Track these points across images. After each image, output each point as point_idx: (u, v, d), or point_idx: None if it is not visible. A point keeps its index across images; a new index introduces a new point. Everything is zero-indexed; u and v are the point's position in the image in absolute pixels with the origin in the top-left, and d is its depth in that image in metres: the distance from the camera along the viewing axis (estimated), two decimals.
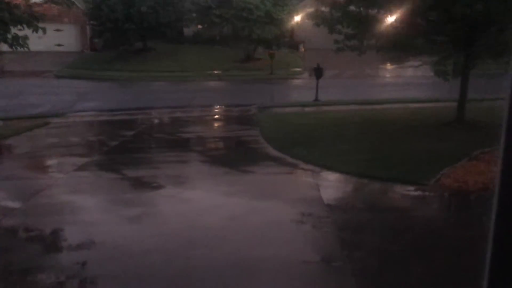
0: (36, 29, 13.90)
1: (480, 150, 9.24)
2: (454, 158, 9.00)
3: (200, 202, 7.86)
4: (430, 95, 19.12)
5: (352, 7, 13.30)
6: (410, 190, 8.16)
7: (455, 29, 12.00)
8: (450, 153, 9.48)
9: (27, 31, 14.18)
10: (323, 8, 13.95)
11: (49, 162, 11.56)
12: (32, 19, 13.98)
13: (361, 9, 13.28)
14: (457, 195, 7.89)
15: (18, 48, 14.22)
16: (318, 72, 19.32)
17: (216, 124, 17.67)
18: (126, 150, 12.46)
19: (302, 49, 34.71)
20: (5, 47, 14.77)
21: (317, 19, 13.75)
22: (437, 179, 8.19)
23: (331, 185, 9.14)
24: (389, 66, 29.02)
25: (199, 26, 34.96)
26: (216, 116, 18.99)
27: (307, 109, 17.68)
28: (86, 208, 7.72)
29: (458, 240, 5.96)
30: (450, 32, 12.33)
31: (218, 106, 20.13)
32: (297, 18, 32.14)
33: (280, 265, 5.45)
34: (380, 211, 7.53)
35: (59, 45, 36.27)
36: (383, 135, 12.03)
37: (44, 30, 14.10)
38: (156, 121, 18.23)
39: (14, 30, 14.13)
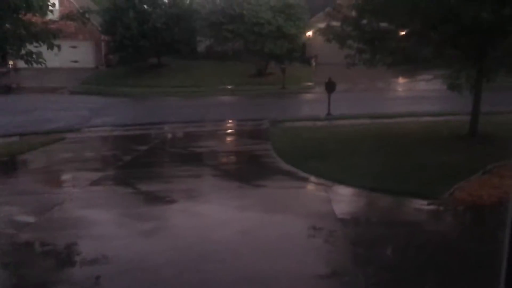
0: (51, 47, 14.16)
1: (494, 163, 9.16)
2: (468, 172, 8.93)
3: (212, 216, 7.89)
4: (443, 109, 19.04)
5: (363, 21, 13.38)
6: (424, 204, 8.09)
7: (467, 42, 11.99)
8: (463, 166, 9.40)
9: (43, 48, 14.45)
10: (334, 23, 14.05)
11: (64, 176, 11.70)
12: (48, 36, 14.24)
13: (373, 23, 13.35)
14: (471, 209, 7.81)
15: (34, 64, 14.47)
16: (330, 86, 19.35)
17: (228, 138, 17.74)
18: (140, 164, 12.56)
19: (314, 63, 34.80)
20: (22, 64, 15.03)
21: (328, 34, 13.84)
22: (451, 193, 8.12)
23: (344, 199, 9.11)
24: (401, 79, 28.99)
25: (212, 41, 35.27)
26: (229, 131, 19.08)
27: (319, 123, 17.70)
28: (100, 222, 7.79)
29: (472, 255, 5.89)
30: (462, 45, 12.31)
31: (230, 121, 20.24)
32: (309, 33, 32.31)
33: (292, 280, 5.44)
34: (393, 225, 7.48)
35: (74, 61, 36.91)
36: (395, 149, 11.99)
37: (58, 47, 14.35)
38: (170, 135, 18.37)
39: (30, 47, 14.40)
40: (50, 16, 15.14)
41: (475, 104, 12.73)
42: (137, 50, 33.41)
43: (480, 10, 10.28)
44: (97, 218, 7.99)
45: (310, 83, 30.53)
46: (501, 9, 10.17)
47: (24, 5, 13.62)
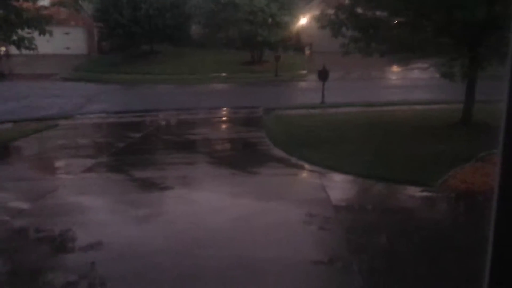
0: (43, 32, 14.02)
1: (487, 151, 9.21)
2: (461, 160, 8.99)
3: (207, 203, 7.90)
4: (437, 97, 19.09)
5: (358, 9, 13.34)
6: (417, 191, 8.16)
7: (460, 31, 11.99)
8: (456, 154, 9.46)
9: (35, 34, 14.31)
10: (329, 11, 13.99)
11: (58, 163, 11.66)
12: (40, 22, 14.09)
13: (367, 11, 13.31)
14: (464, 197, 7.89)
15: (26, 50, 14.34)
16: (323, 74, 19.31)
17: (222, 126, 17.72)
18: (134, 151, 12.53)
19: (308, 51, 34.70)
20: (14, 50, 14.90)
21: (323, 21, 13.77)
22: (444, 180, 8.18)
23: (338, 186, 9.15)
24: (395, 68, 29.01)
25: (206, 29, 35.05)
26: (223, 118, 19.04)
27: (313, 111, 17.69)
28: (94, 209, 7.78)
29: (465, 242, 5.95)
30: (455, 34, 12.32)
31: (224, 108, 20.18)
32: (303, 21, 32.18)
33: (287, 266, 5.48)
34: (388, 212, 7.54)
35: (67, 48, 36.57)
36: (389, 137, 12.03)
37: (50, 32, 14.21)
38: (163, 123, 18.31)
39: (22, 33, 14.25)
40: (41, 2, 14.99)
41: (468, 92, 12.77)
42: (129, 36, 33.15)
43: (473, 8, 10.31)
44: (91, 205, 7.98)
45: (303, 71, 30.45)
46: (492, 8, 10.23)
47: None
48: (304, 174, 10.04)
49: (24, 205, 7.91)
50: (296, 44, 35.07)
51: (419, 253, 5.85)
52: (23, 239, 6.65)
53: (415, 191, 8.16)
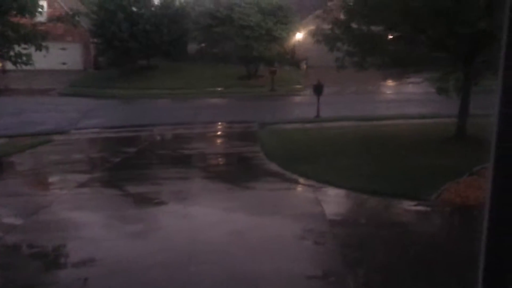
0: (39, 48, 14.09)
1: (481, 165, 9.23)
2: (456, 174, 8.99)
3: (202, 218, 7.87)
4: (431, 111, 19.17)
5: (353, 25, 13.44)
6: (412, 205, 8.15)
7: (455, 46, 12.09)
8: (451, 168, 9.47)
9: (32, 49, 14.38)
10: (324, 26, 14.10)
11: (52, 179, 11.62)
12: (37, 38, 14.17)
13: (362, 26, 13.42)
14: (459, 210, 7.88)
15: (22, 66, 14.40)
16: (318, 89, 19.41)
17: (218, 141, 17.72)
18: (129, 166, 12.50)
19: (304, 66, 34.88)
20: (10, 65, 14.96)
21: (318, 36, 13.87)
22: (439, 195, 8.19)
23: (333, 200, 9.14)
24: (390, 82, 29.16)
25: (202, 44, 35.25)
26: (218, 133, 19.06)
27: (308, 125, 17.74)
28: (88, 224, 7.74)
29: (459, 255, 5.94)
30: (450, 48, 12.42)
31: (220, 123, 20.20)
32: (299, 36, 32.40)
33: (282, 281, 5.45)
34: (383, 226, 7.51)
35: (63, 63, 36.66)
36: (384, 151, 12.05)
37: (47, 48, 14.28)
38: (159, 138, 18.30)
39: (19, 49, 14.32)
40: (38, 18, 15.08)
41: (462, 106, 12.83)
42: (126, 51, 33.27)
43: (474, 21, 10.40)
44: (85, 220, 7.93)
45: (299, 86, 30.60)
46: (491, 21, 10.30)
47: (15, 6, 13.57)
48: (299, 189, 10.03)
49: (18, 221, 7.87)
50: (292, 58, 35.25)
51: (414, 267, 5.83)
52: (16, 255, 6.60)
53: (410, 205, 8.15)
